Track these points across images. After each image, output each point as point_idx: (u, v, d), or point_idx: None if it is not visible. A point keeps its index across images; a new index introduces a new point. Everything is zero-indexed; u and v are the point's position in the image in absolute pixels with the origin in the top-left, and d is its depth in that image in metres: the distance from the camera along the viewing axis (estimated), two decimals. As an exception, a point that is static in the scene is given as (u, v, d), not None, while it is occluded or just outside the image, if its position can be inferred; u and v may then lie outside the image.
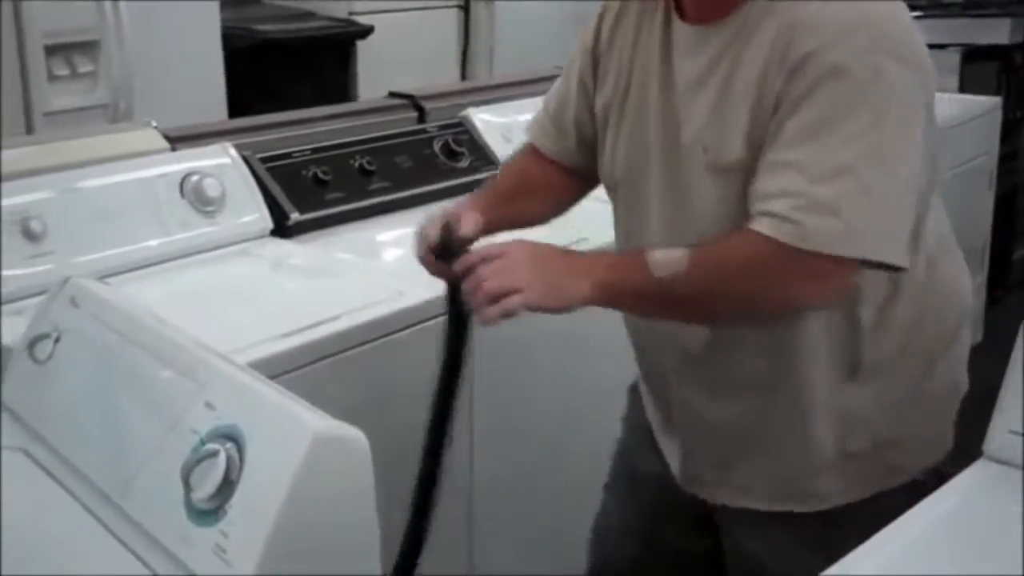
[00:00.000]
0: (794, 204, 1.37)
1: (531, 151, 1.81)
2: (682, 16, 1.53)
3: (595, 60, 1.69)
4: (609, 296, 1.46)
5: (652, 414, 1.80)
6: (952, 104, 3.94)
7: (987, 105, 3.96)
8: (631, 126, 1.61)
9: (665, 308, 1.49)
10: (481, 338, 2.02)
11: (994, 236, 4.09)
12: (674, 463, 1.74)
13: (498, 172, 1.89)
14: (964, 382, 1.70)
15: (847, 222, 1.36)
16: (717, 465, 1.68)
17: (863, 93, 1.38)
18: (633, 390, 1.88)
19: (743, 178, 1.45)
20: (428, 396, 1.97)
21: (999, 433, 1.42)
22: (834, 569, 1.21)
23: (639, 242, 1.59)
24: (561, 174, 1.78)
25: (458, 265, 1.48)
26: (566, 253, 1.48)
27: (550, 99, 1.80)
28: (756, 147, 1.44)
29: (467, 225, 1.57)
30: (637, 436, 1.85)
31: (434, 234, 1.57)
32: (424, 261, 1.61)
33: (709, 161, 1.48)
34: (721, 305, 1.47)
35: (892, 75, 1.39)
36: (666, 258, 1.42)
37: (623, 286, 1.46)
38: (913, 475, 1.62)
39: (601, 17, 1.69)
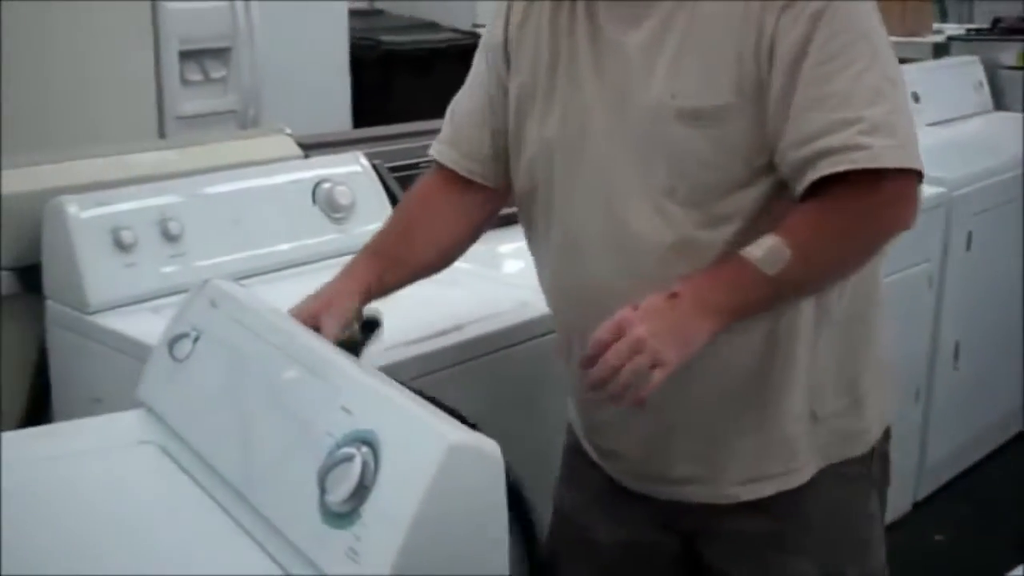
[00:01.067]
0: (856, 130, 1.37)
1: (435, 175, 1.76)
2: None
3: (507, 54, 1.66)
4: (732, 317, 1.42)
5: (594, 425, 1.71)
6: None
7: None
8: (563, 107, 1.58)
9: (787, 299, 1.47)
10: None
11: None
12: (628, 465, 1.68)
13: (396, 208, 1.84)
14: (888, 359, 1.70)
15: (899, 138, 1.39)
16: (687, 455, 1.61)
17: (861, 18, 1.43)
18: (571, 451, 1.81)
19: (726, 122, 1.44)
20: (552, 408, 1.98)
21: None
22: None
23: (583, 221, 1.56)
24: (469, 192, 1.73)
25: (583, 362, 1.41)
26: (669, 298, 1.39)
27: (458, 114, 1.76)
28: (746, 91, 1.43)
29: (328, 330, 1.53)
30: (585, 501, 1.78)
31: None
32: None
33: (683, 108, 1.46)
34: (838, 267, 1.47)
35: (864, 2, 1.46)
36: (767, 253, 1.39)
37: (741, 300, 1.42)
38: (869, 444, 1.65)
39: (509, 8, 1.67)
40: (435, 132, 2.68)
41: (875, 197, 1.40)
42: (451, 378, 1.84)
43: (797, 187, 1.42)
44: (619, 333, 1.36)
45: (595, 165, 1.55)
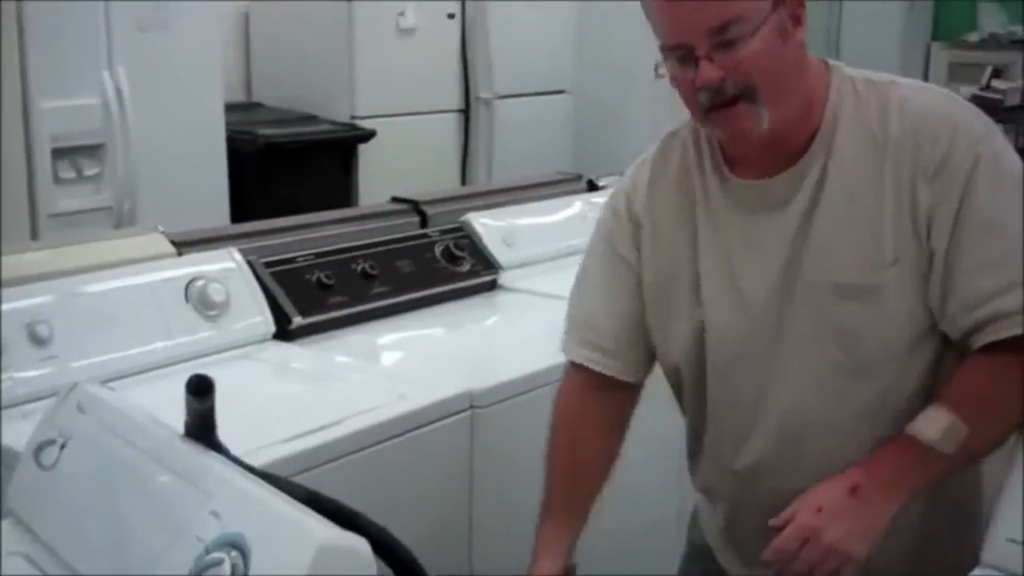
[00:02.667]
0: (1019, 296, 1.43)
1: (581, 386, 1.72)
2: (740, 174, 1.59)
3: (638, 244, 1.68)
4: (912, 495, 1.49)
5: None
6: None
7: None
8: (715, 295, 1.61)
9: (962, 466, 1.53)
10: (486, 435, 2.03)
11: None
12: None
13: (552, 454, 1.74)
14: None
15: None
16: None
17: (1002, 168, 1.48)
18: (698, 554, 1.85)
19: (886, 294, 1.50)
20: (431, 499, 1.99)
21: (997, 542, 1.43)
22: None
23: (746, 403, 1.61)
24: (620, 393, 1.72)
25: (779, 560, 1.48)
26: (850, 492, 1.47)
27: (598, 319, 1.71)
28: (904, 263, 1.49)
29: None
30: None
31: None
32: None
33: (841, 284, 1.51)
34: (1009, 428, 1.49)
35: (1001, 140, 1.52)
36: (944, 435, 1.45)
37: (921, 480, 1.49)
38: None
39: (629, 201, 1.69)
40: (313, 226, 2.71)
41: None
42: (329, 474, 1.83)
43: (971, 346, 1.48)
44: (805, 540, 1.44)
45: (759, 347, 1.58)
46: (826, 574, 1.44)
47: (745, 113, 1.49)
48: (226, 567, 1.18)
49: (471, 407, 2.09)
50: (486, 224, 2.89)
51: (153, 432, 1.47)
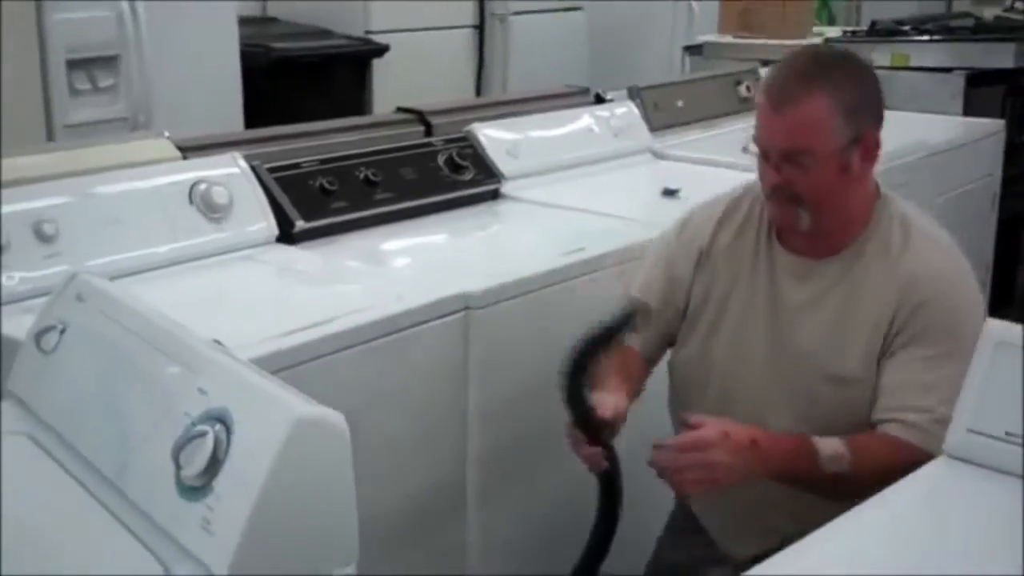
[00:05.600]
0: (927, 418, 1.76)
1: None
2: (785, 246, 1.94)
3: (699, 264, 2.02)
4: (779, 479, 1.79)
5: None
6: (956, 126, 3.99)
7: (991, 128, 4.00)
8: (732, 330, 1.97)
9: (819, 490, 1.77)
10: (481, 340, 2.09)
11: (997, 258, 4.13)
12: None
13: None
14: None
15: (947, 430, 1.61)
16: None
17: (966, 329, 1.73)
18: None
19: (855, 385, 1.85)
20: (426, 396, 2.04)
21: (959, 432, 1.48)
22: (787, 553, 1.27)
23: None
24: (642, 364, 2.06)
25: (666, 451, 1.77)
26: (752, 444, 1.76)
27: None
28: (870, 364, 1.84)
29: (606, 409, 1.82)
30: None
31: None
32: (574, 443, 1.85)
33: (827, 373, 1.87)
34: (861, 491, 1.59)
35: (979, 308, 1.86)
36: (834, 458, 1.76)
37: (795, 474, 1.79)
38: None
39: (716, 232, 2.02)
40: (317, 133, 2.74)
41: (913, 461, 1.61)
42: (323, 367, 1.88)
43: (874, 418, 1.83)
44: (697, 447, 1.74)
45: (749, 388, 1.94)
46: (683, 480, 1.77)
47: (790, 211, 1.87)
48: (209, 439, 1.24)
49: (466, 308, 2.14)
50: (490, 135, 2.92)
51: (148, 318, 1.53)
